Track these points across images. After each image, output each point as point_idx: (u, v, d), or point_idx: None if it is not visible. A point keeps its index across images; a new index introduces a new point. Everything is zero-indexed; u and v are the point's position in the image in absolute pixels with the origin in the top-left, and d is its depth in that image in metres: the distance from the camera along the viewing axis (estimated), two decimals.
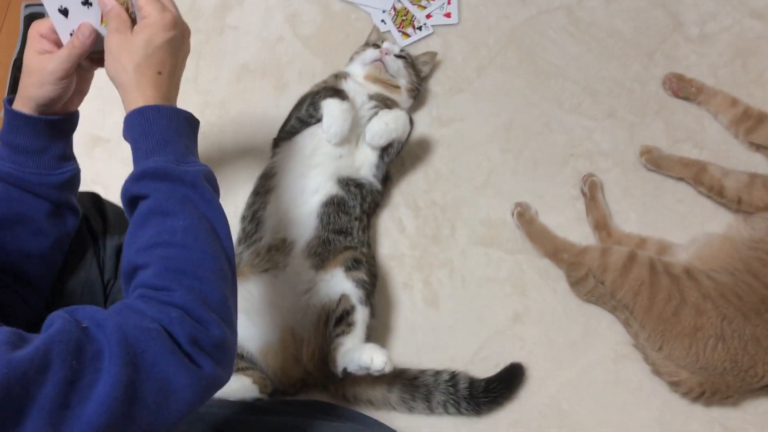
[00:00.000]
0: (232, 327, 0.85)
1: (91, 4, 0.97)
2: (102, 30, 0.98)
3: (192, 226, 0.87)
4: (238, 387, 1.25)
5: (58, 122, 1.05)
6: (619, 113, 1.53)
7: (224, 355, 0.81)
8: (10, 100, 1.02)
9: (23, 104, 1.00)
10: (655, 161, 1.46)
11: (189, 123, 0.99)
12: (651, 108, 1.53)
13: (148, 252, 0.86)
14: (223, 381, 0.81)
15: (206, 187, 0.93)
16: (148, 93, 0.94)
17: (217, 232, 0.88)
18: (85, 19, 0.98)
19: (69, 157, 1.11)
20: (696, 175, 1.42)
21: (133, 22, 0.96)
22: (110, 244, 1.28)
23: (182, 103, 1.59)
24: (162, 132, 0.94)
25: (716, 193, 1.41)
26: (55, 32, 0.98)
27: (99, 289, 1.25)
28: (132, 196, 0.93)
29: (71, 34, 0.98)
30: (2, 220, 1.03)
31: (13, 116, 1.01)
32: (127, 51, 0.94)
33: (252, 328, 1.28)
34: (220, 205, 0.91)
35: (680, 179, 1.45)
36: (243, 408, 1.23)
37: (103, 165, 1.55)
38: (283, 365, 1.28)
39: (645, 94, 1.55)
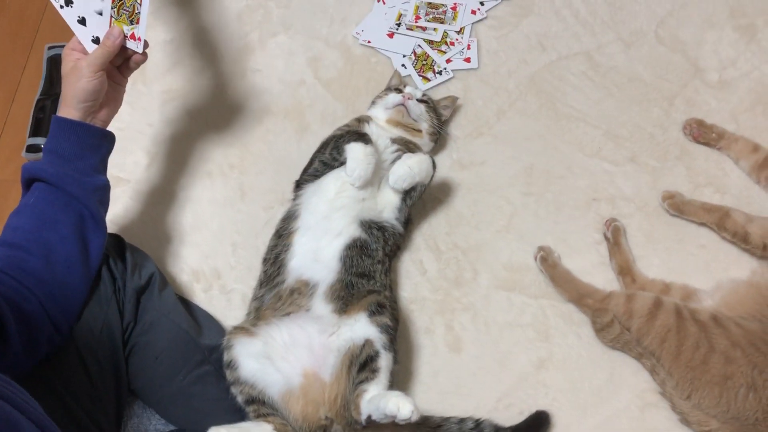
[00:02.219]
0: None
1: (102, 14, 1.20)
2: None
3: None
4: None
5: (94, 131, 1.22)
6: (640, 158, 1.54)
7: None
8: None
9: (65, 108, 1.20)
10: (677, 206, 1.46)
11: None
12: (672, 153, 1.54)
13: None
14: None
15: None
16: None
17: None
18: (99, 25, 1.20)
19: (102, 172, 1.26)
20: (719, 221, 1.42)
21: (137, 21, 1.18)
22: (130, 287, 1.28)
23: (204, 142, 1.61)
24: None
25: (740, 239, 1.40)
26: (80, 45, 1.22)
27: (118, 330, 1.25)
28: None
29: (92, 40, 1.21)
30: (38, 225, 1.10)
31: (56, 123, 1.20)
32: None
33: (274, 373, 1.26)
34: None
35: (703, 224, 1.45)
36: None
37: (122, 205, 1.56)
38: (305, 412, 1.25)
39: (666, 139, 1.55)
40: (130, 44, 1.22)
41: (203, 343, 1.33)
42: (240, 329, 1.30)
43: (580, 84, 1.63)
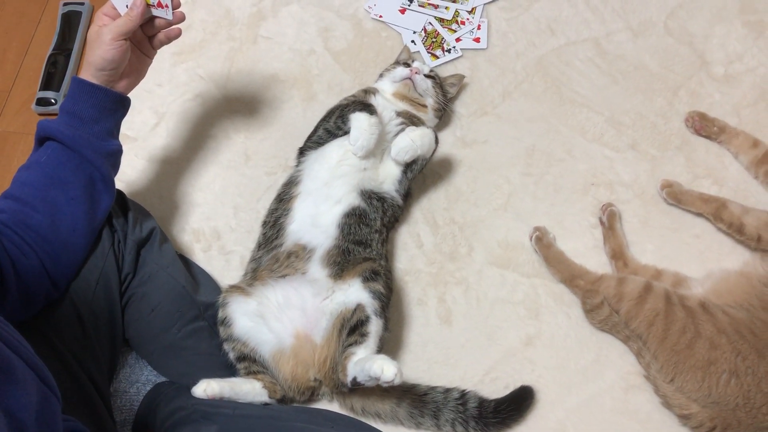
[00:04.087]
0: None
1: None
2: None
3: None
4: (248, 390, 1.25)
5: (112, 95, 1.22)
6: (641, 146, 1.55)
7: None
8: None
9: (85, 72, 1.20)
10: (675, 195, 1.47)
11: None
12: (673, 143, 1.55)
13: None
14: None
15: None
16: None
17: None
18: None
19: (116, 136, 1.26)
20: (716, 212, 1.43)
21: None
22: (131, 239, 1.30)
23: (212, 106, 1.63)
24: None
25: (735, 230, 1.41)
26: (113, 11, 1.19)
27: (114, 282, 1.27)
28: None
29: (127, 6, 1.18)
30: (47, 183, 1.11)
31: (76, 84, 1.20)
32: None
33: (266, 332, 1.28)
34: None
35: (699, 215, 1.46)
36: (252, 411, 1.23)
37: (128, 162, 1.58)
38: (294, 372, 1.28)
39: (668, 129, 1.57)
40: (158, 12, 1.21)
41: (199, 300, 1.35)
42: (236, 288, 1.33)
43: (587, 70, 1.64)
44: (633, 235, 1.46)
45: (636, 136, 1.56)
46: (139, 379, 1.32)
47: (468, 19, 1.69)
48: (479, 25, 1.69)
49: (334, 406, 1.32)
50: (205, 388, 1.23)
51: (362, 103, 1.42)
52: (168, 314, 1.31)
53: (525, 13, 1.72)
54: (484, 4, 1.71)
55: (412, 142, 1.38)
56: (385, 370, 1.15)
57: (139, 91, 1.64)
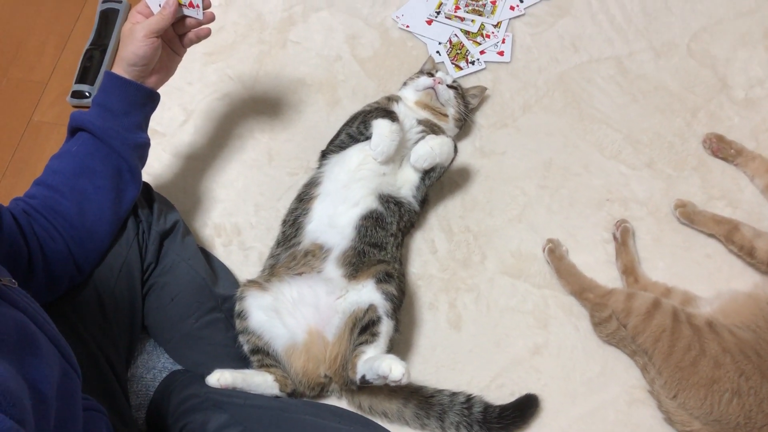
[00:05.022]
0: None
1: None
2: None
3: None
4: (260, 382, 1.29)
5: (142, 90, 1.27)
6: (657, 165, 1.57)
7: None
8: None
9: (117, 67, 1.25)
10: (688, 215, 1.49)
11: None
12: (689, 163, 1.57)
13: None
14: None
15: None
16: None
17: None
18: None
19: (145, 130, 1.31)
20: (728, 234, 1.45)
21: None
22: (155, 230, 1.35)
23: (239, 106, 1.68)
24: None
25: (747, 253, 1.43)
26: (147, 9, 1.24)
27: (137, 270, 1.32)
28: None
29: (160, 5, 1.23)
30: (77, 172, 1.16)
31: (108, 78, 1.25)
32: None
33: (280, 327, 1.32)
34: None
35: (711, 236, 1.48)
36: (262, 402, 1.27)
37: (156, 156, 1.63)
38: (306, 367, 1.32)
39: (685, 149, 1.59)
40: (189, 12, 1.26)
41: (217, 292, 1.39)
42: (253, 283, 1.37)
43: (607, 87, 1.67)
44: (645, 252, 1.47)
45: (653, 155, 1.58)
46: (155, 366, 1.36)
47: (493, 32, 1.73)
48: (504, 39, 1.72)
49: (342, 403, 1.35)
50: (219, 378, 1.27)
51: (385, 110, 1.46)
52: (187, 304, 1.36)
53: (549, 29, 1.75)
54: (510, 18, 1.75)
55: (431, 149, 1.42)
56: (393, 369, 1.19)
57: (170, 89, 1.70)
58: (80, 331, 1.21)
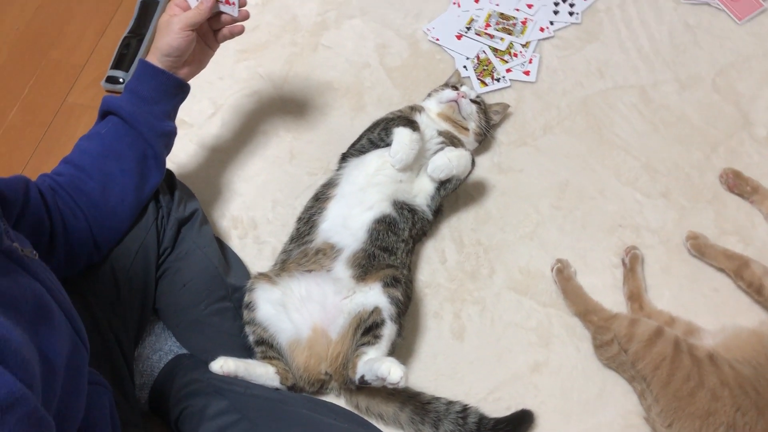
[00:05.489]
0: None
1: None
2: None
3: None
4: (261, 373, 1.32)
5: (173, 80, 1.31)
6: (672, 195, 1.58)
7: None
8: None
9: (151, 56, 1.29)
10: (699, 248, 1.50)
11: None
12: (704, 196, 1.58)
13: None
14: None
15: None
16: None
17: None
18: None
19: (173, 119, 1.34)
20: (737, 269, 1.45)
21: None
22: (174, 216, 1.39)
23: (267, 103, 1.72)
24: None
25: (755, 290, 1.43)
26: (184, 2, 1.31)
27: (153, 254, 1.35)
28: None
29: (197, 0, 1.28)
30: (104, 154, 1.20)
31: (142, 66, 1.29)
32: None
33: (286, 321, 1.35)
34: None
35: (721, 270, 1.48)
36: (262, 392, 1.30)
37: (182, 146, 1.67)
38: (307, 363, 1.34)
39: (701, 182, 1.59)
40: (225, 8, 1.30)
41: (228, 282, 1.42)
42: (264, 276, 1.40)
43: (629, 115, 1.68)
44: (652, 279, 1.48)
45: (669, 185, 1.59)
46: (162, 348, 1.40)
47: (521, 52, 1.75)
48: (531, 59, 1.74)
49: (341, 402, 1.37)
50: (222, 365, 1.30)
51: (407, 119, 1.48)
52: (198, 291, 1.39)
53: (577, 53, 1.77)
54: (539, 39, 1.77)
55: (449, 161, 1.44)
56: (392, 372, 1.21)
57: (201, 82, 1.75)
58: (93, 307, 1.25)
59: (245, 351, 1.37)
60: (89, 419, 0.96)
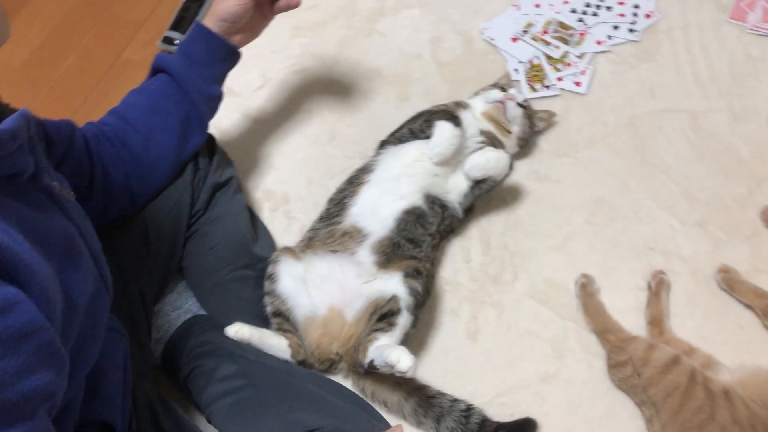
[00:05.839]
0: None
1: None
2: None
3: None
4: (274, 344, 1.34)
5: (226, 45, 1.33)
6: (709, 225, 1.55)
7: None
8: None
9: (208, 20, 1.32)
10: (730, 282, 1.47)
11: None
12: (742, 231, 1.54)
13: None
14: None
15: None
16: None
17: None
18: None
19: (220, 84, 1.36)
20: (766, 309, 1.42)
21: None
22: (210, 180, 1.41)
23: (314, 82, 1.73)
24: None
25: None
26: None
27: (185, 213, 1.38)
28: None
29: None
30: (150, 109, 1.23)
31: (197, 28, 1.32)
32: None
33: (305, 297, 1.37)
34: None
35: (749, 307, 1.45)
36: (272, 362, 1.32)
37: (227, 114, 1.70)
38: (320, 341, 1.36)
39: (741, 216, 1.56)
40: None
41: (254, 252, 1.45)
42: (289, 250, 1.42)
43: (676, 139, 1.65)
44: (677, 308, 1.46)
45: (707, 215, 1.56)
46: (182, 306, 1.42)
47: (575, 62, 1.73)
48: (584, 71, 1.72)
49: (347, 384, 1.38)
50: (237, 330, 1.32)
51: (450, 114, 1.48)
52: (223, 256, 1.42)
53: (631, 70, 1.75)
54: (595, 52, 1.75)
55: (487, 161, 1.44)
56: (401, 360, 1.22)
57: (254, 54, 1.77)
58: (120, 257, 1.28)
59: (261, 320, 1.39)
60: (102, 364, 0.99)
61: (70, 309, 0.84)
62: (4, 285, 0.70)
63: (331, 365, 1.39)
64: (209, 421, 1.29)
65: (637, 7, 1.80)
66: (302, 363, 1.37)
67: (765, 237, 1.54)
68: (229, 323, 1.33)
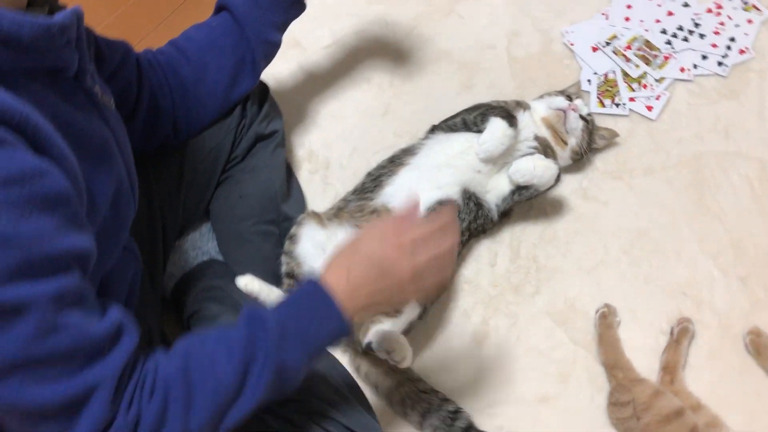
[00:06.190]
0: None
1: None
2: None
3: None
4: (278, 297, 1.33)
5: None
6: (751, 283, 1.47)
7: None
8: None
9: None
10: (758, 346, 1.39)
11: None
12: None
13: None
14: None
15: None
16: (331, 276, 0.95)
17: None
18: None
19: (281, 32, 1.35)
20: None
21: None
22: (254, 130, 1.41)
23: (382, 52, 1.69)
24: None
25: None
26: None
27: (223, 157, 1.39)
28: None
29: None
30: (207, 45, 1.23)
31: None
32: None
33: (318, 264, 1.35)
34: None
35: None
36: None
37: (287, 65, 1.69)
38: None
39: None
40: None
41: (282, 209, 1.45)
42: (316, 215, 1.41)
43: (740, 186, 1.56)
44: (696, 359, 1.40)
45: (752, 271, 1.48)
46: (201, 248, 1.44)
47: (652, 85, 1.65)
48: (659, 96, 1.64)
49: (344, 359, 1.37)
50: (247, 282, 1.32)
51: (507, 112, 1.44)
52: (251, 206, 1.42)
53: (710, 105, 1.65)
54: (675, 79, 1.66)
55: (533, 168, 1.39)
56: (398, 349, 1.21)
57: (329, 13, 1.76)
58: (152, 187, 1.30)
59: (274, 278, 1.38)
60: (109, 282, 1.00)
61: (92, 208, 0.86)
62: (39, 156, 0.74)
63: None
64: None
65: (732, 40, 1.69)
66: None
67: None
68: (242, 274, 1.34)
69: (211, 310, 1.32)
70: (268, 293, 1.33)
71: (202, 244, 1.44)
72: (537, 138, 1.47)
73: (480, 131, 1.42)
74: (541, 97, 1.55)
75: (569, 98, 1.51)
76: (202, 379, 0.84)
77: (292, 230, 1.39)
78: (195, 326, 1.34)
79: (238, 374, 0.85)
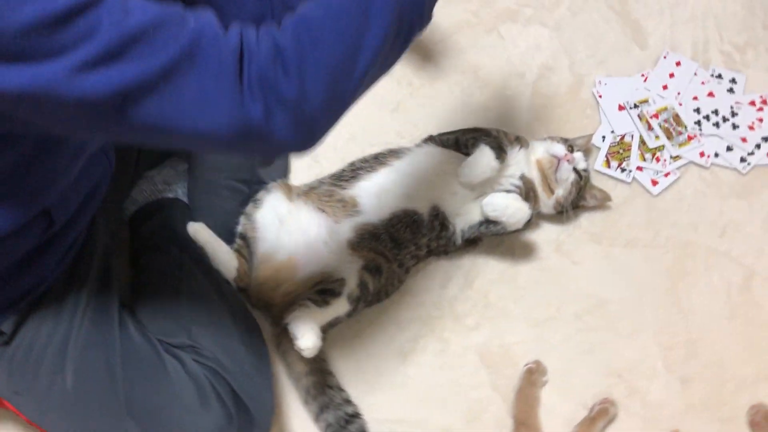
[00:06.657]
0: (327, 101, 0.83)
1: None
2: None
3: None
4: (224, 261, 1.36)
5: None
6: (692, 386, 1.42)
7: (289, 115, 0.79)
8: None
9: None
10: None
11: None
12: (721, 411, 1.41)
13: None
14: (274, 140, 0.80)
15: None
16: None
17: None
18: None
19: None
20: None
21: None
22: None
23: (411, 51, 1.65)
24: None
25: None
26: None
27: None
28: None
29: None
30: None
31: None
32: None
33: (273, 235, 1.38)
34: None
35: None
36: (211, 278, 1.34)
37: None
38: (266, 282, 1.38)
39: (732, 398, 1.42)
40: None
41: (258, 173, 1.47)
42: (287, 187, 1.44)
43: (718, 288, 1.50)
44: None
45: (697, 376, 1.43)
46: (171, 185, 1.46)
47: (665, 160, 1.59)
48: (668, 173, 1.58)
49: (267, 329, 1.39)
50: (198, 230, 1.36)
51: (499, 144, 1.41)
52: (228, 162, 1.45)
53: (717, 198, 1.58)
54: (690, 161, 1.59)
55: (505, 207, 1.37)
56: (304, 337, 1.23)
57: None
58: None
59: (228, 235, 1.41)
60: (79, 174, 1.03)
61: None
62: None
63: (264, 307, 1.41)
64: None
65: (765, 140, 1.61)
66: (241, 291, 1.39)
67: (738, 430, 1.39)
68: (198, 221, 1.37)
69: (161, 247, 1.36)
70: (217, 246, 1.37)
71: (173, 182, 1.47)
72: (522, 178, 1.44)
73: (468, 154, 1.40)
74: (545, 139, 1.51)
75: (571, 148, 1.47)
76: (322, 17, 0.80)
77: (259, 194, 1.42)
78: (143, 255, 1.38)
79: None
